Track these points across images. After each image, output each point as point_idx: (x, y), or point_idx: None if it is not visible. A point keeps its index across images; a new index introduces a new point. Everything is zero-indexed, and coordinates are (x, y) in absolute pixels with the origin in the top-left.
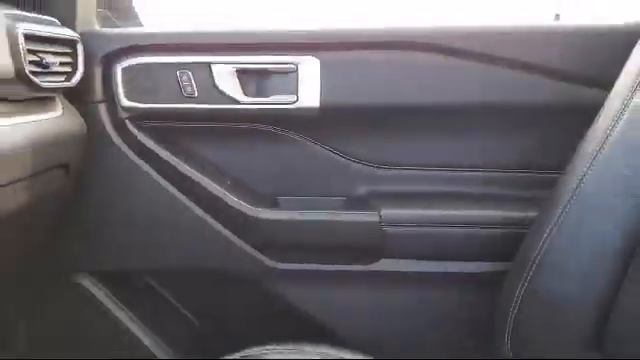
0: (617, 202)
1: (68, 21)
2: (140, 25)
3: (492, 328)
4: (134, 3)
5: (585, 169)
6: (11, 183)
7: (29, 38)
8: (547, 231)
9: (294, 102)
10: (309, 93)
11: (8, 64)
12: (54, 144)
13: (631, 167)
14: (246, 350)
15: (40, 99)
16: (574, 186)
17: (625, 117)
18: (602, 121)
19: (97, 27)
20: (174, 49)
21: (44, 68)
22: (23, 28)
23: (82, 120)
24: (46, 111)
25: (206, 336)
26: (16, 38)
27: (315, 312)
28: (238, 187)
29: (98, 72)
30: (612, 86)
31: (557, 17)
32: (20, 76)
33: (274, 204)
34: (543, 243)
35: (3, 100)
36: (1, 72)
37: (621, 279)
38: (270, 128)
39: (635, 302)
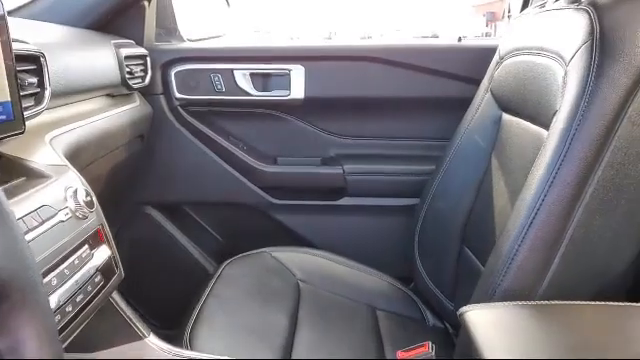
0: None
1: (139, 41)
2: (181, 39)
3: (409, 237)
4: (178, 25)
5: (459, 140)
6: (117, 147)
7: (126, 57)
8: (438, 177)
9: (287, 95)
10: (297, 89)
11: (117, 75)
12: (136, 123)
13: (484, 137)
14: (252, 250)
15: (127, 94)
16: (453, 150)
17: (482, 106)
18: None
19: (156, 43)
20: (208, 59)
21: (132, 75)
22: (123, 51)
23: (150, 107)
24: (130, 102)
25: (227, 247)
26: (121, 58)
27: (300, 230)
28: (251, 150)
29: (159, 75)
30: (479, 83)
31: (460, 39)
32: (123, 82)
33: (274, 161)
34: (436, 184)
35: (110, 96)
36: (113, 80)
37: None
38: (271, 112)
39: (482, 208)
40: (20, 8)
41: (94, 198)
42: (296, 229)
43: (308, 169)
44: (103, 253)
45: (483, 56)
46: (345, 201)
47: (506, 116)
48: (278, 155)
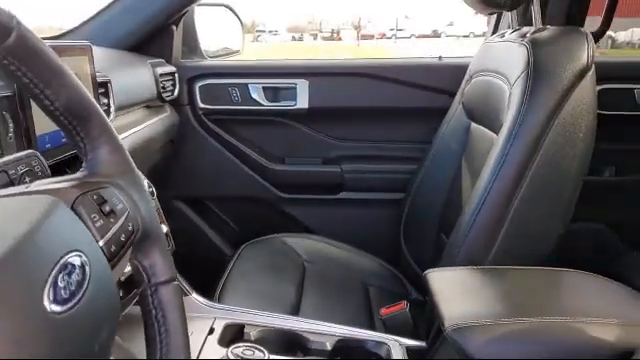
0: (450, 157)
1: (168, 59)
2: (202, 55)
3: (396, 225)
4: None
5: (436, 144)
6: (154, 151)
7: (161, 75)
8: (419, 175)
9: (294, 105)
10: (302, 100)
11: (153, 90)
12: (167, 130)
13: (457, 141)
14: (262, 236)
15: (160, 105)
16: (432, 152)
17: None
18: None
19: (182, 60)
20: (227, 75)
21: (164, 89)
22: (159, 70)
23: (178, 115)
24: (162, 112)
25: (242, 234)
26: (157, 76)
27: (304, 219)
28: (262, 151)
29: (185, 88)
30: (455, 95)
31: (440, 58)
32: (158, 95)
33: (283, 161)
34: (418, 181)
35: (147, 107)
36: (151, 94)
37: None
38: (280, 119)
39: (455, 201)
40: (68, 33)
41: (153, 189)
42: (301, 218)
43: (311, 168)
44: (163, 229)
45: (458, 73)
46: (343, 195)
47: (473, 125)
48: (286, 156)
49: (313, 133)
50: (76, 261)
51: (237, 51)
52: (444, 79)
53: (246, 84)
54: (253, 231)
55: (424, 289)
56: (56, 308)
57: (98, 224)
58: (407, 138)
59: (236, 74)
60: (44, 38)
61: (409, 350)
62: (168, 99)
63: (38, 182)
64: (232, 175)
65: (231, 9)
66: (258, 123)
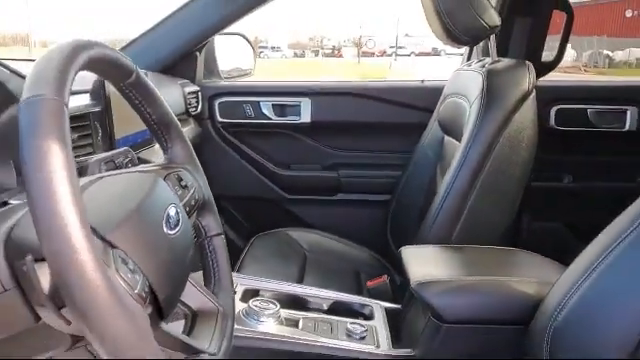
0: (428, 165)
1: (192, 80)
2: (220, 76)
3: (384, 222)
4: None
5: (417, 153)
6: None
7: (187, 94)
8: (403, 180)
9: (298, 120)
10: (305, 115)
11: (182, 106)
12: (192, 139)
13: (433, 151)
14: (269, 230)
15: (186, 119)
16: (413, 160)
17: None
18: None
19: (204, 81)
20: (242, 94)
21: (190, 105)
22: (186, 89)
23: (200, 128)
24: (187, 125)
25: (252, 230)
26: (185, 94)
27: (306, 216)
28: (271, 159)
29: (206, 105)
30: (432, 112)
31: (422, 81)
32: (186, 111)
33: (288, 167)
34: (401, 185)
35: None
36: (181, 109)
37: (427, 193)
38: (286, 131)
39: (431, 201)
40: None
41: None
42: (303, 216)
43: (312, 173)
44: None
45: (436, 94)
46: (339, 196)
47: (446, 137)
48: (291, 162)
49: (314, 143)
50: (172, 210)
51: (249, 71)
52: (424, 99)
53: (258, 102)
54: (262, 226)
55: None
56: (169, 232)
57: (179, 192)
58: (393, 148)
59: (250, 93)
60: None
61: (387, 311)
62: (193, 114)
63: (141, 166)
64: (245, 178)
65: (245, 37)
66: (268, 134)
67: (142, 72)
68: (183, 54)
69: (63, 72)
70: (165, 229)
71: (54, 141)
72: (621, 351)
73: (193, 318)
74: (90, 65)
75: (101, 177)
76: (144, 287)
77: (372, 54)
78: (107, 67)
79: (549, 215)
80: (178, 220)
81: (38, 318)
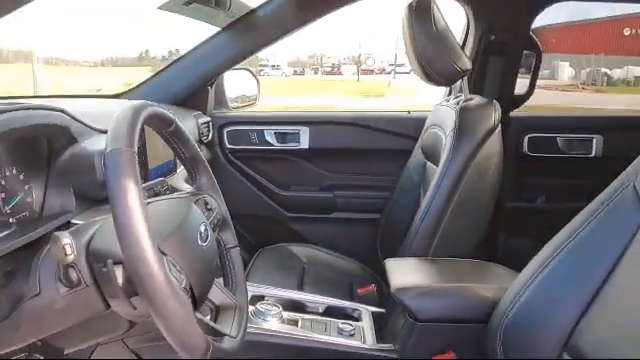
0: (412, 187)
1: (204, 111)
2: (228, 107)
3: (374, 238)
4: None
5: (403, 177)
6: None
7: (200, 124)
8: (391, 201)
9: (298, 146)
10: (304, 142)
11: (196, 135)
12: None
13: (417, 175)
14: (271, 245)
15: (198, 146)
16: (399, 183)
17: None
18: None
19: (214, 111)
20: (247, 123)
21: (202, 134)
22: (200, 120)
23: (210, 153)
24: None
25: (255, 244)
26: (199, 125)
27: (304, 233)
28: (272, 180)
29: (216, 133)
30: (417, 140)
31: (409, 112)
32: (199, 139)
33: (288, 188)
34: (390, 205)
35: None
36: (194, 138)
37: (412, 213)
38: (287, 156)
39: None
40: (129, 91)
41: None
42: (302, 232)
43: (310, 193)
44: None
45: (420, 124)
46: (335, 215)
47: (428, 163)
48: (291, 184)
49: (312, 167)
50: (203, 227)
51: (253, 101)
52: (410, 128)
53: (262, 130)
54: (265, 241)
55: None
56: (202, 244)
57: (206, 214)
58: (382, 172)
59: (255, 122)
60: (118, 94)
61: (374, 314)
62: (205, 141)
63: (176, 193)
64: (249, 198)
65: (251, 72)
66: (270, 159)
67: (177, 120)
68: (196, 89)
69: (131, 130)
70: (199, 242)
71: (129, 180)
72: (559, 340)
73: (217, 311)
74: (147, 121)
75: (149, 202)
76: (187, 285)
77: (371, 71)
78: (156, 120)
79: (524, 233)
80: (207, 235)
81: (108, 307)
